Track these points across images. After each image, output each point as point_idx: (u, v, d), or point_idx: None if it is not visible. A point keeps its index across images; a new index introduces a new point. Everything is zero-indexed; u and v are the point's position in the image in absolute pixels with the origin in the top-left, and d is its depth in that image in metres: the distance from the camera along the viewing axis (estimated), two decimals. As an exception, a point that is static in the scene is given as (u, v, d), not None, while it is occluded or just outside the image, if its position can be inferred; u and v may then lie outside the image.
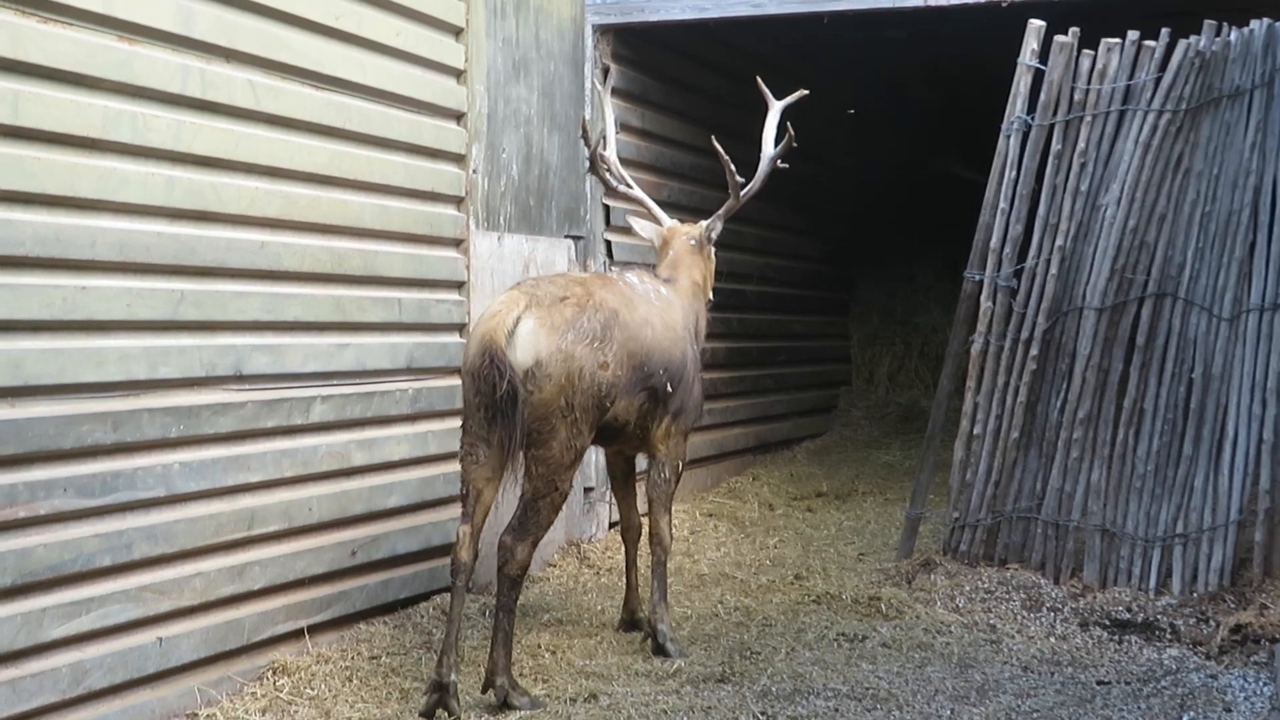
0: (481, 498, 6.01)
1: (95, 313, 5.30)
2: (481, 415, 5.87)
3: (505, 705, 5.81)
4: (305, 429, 6.45)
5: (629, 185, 7.40)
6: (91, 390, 5.28)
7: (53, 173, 5.10)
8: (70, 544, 5.16)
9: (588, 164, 7.38)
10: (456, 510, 7.40)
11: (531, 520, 6.00)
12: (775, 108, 7.43)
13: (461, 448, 6.06)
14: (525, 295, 6.03)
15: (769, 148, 7.32)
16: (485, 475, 5.99)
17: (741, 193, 7.23)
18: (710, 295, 7.33)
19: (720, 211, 7.33)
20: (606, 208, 9.39)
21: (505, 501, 6.15)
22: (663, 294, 6.80)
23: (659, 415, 6.58)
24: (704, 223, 7.30)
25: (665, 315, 6.66)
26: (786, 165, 7.29)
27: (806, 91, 7.47)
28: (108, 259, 5.35)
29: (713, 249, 7.37)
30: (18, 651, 4.96)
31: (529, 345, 5.88)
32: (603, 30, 9.32)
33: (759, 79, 7.56)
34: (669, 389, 6.52)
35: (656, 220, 7.38)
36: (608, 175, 7.27)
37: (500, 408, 5.74)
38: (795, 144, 7.19)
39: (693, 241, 7.22)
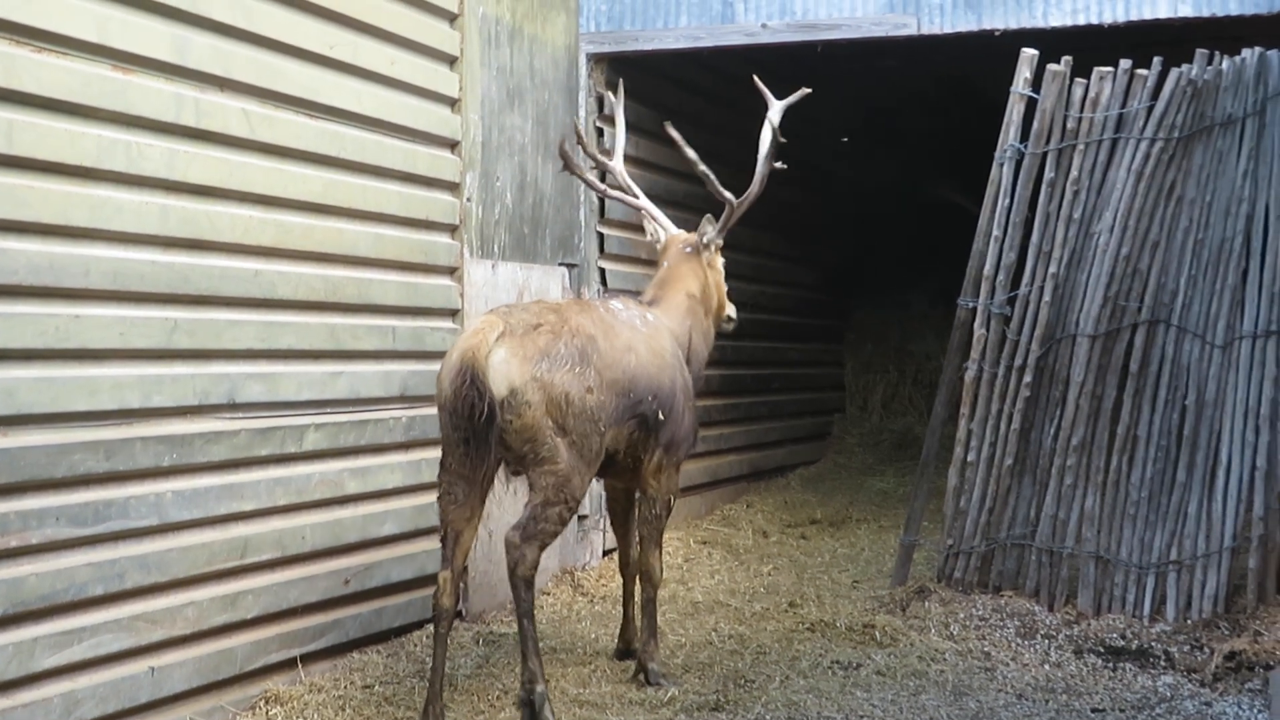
0: (461, 540, 6.01)
1: (89, 341, 5.30)
2: (460, 449, 5.86)
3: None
4: (299, 457, 6.45)
5: (636, 194, 7.37)
6: (84, 419, 5.28)
7: (47, 201, 5.11)
8: (62, 573, 5.15)
9: (579, 155, 7.28)
10: (450, 538, 7.42)
11: (540, 522, 5.94)
12: (775, 107, 7.33)
13: (440, 486, 6.03)
14: (500, 321, 5.98)
15: (765, 149, 7.25)
16: (465, 516, 5.98)
17: (740, 198, 7.17)
18: (725, 306, 7.35)
19: (721, 219, 7.27)
20: (600, 235, 9.41)
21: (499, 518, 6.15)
22: (649, 320, 6.72)
23: (650, 447, 6.50)
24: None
25: (651, 341, 6.57)
26: (784, 166, 7.22)
27: (809, 90, 7.37)
28: (101, 287, 5.35)
29: (718, 257, 7.35)
30: (9, 681, 4.95)
31: (502, 375, 5.83)
32: (596, 59, 9.35)
33: (755, 78, 7.49)
34: (660, 417, 6.45)
35: (663, 229, 7.36)
36: (605, 183, 7.22)
37: (479, 432, 5.73)
38: (783, 140, 7.14)
39: (688, 249, 7.18)
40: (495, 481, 6.09)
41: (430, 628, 7.11)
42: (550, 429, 5.91)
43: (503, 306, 6.37)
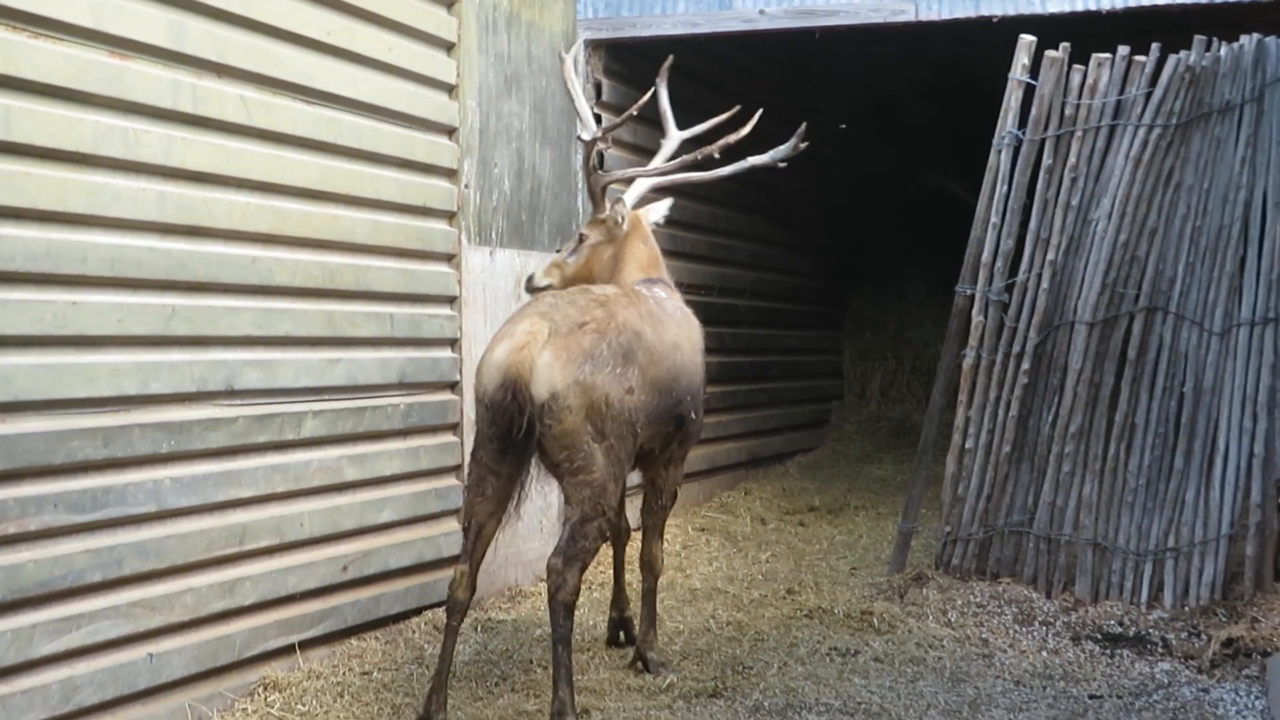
0: (483, 533, 5.92)
1: (86, 328, 5.29)
2: (494, 446, 5.77)
3: None
4: (297, 444, 6.45)
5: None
6: (82, 406, 5.27)
7: (44, 188, 5.10)
8: (61, 560, 5.15)
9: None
10: (448, 525, 7.44)
11: (580, 543, 5.76)
12: (766, 156, 7.18)
13: (469, 478, 5.96)
14: (545, 325, 5.78)
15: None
16: (489, 510, 5.89)
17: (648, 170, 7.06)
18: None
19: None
20: (598, 222, 9.39)
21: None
22: (684, 310, 6.64)
23: (674, 442, 6.46)
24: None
25: (691, 335, 6.51)
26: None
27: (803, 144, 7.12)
28: (99, 274, 5.34)
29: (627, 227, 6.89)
30: (8, 668, 4.94)
31: (544, 379, 5.67)
32: (594, 45, 9.34)
33: (656, 92, 7.35)
34: (693, 415, 6.41)
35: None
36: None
37: (514, 441, 5.66)
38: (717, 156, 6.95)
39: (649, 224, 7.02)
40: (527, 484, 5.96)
41: (429, 614, 7.15)
42: (589, 435, 5.75)
43: (548, 297, 6.19)
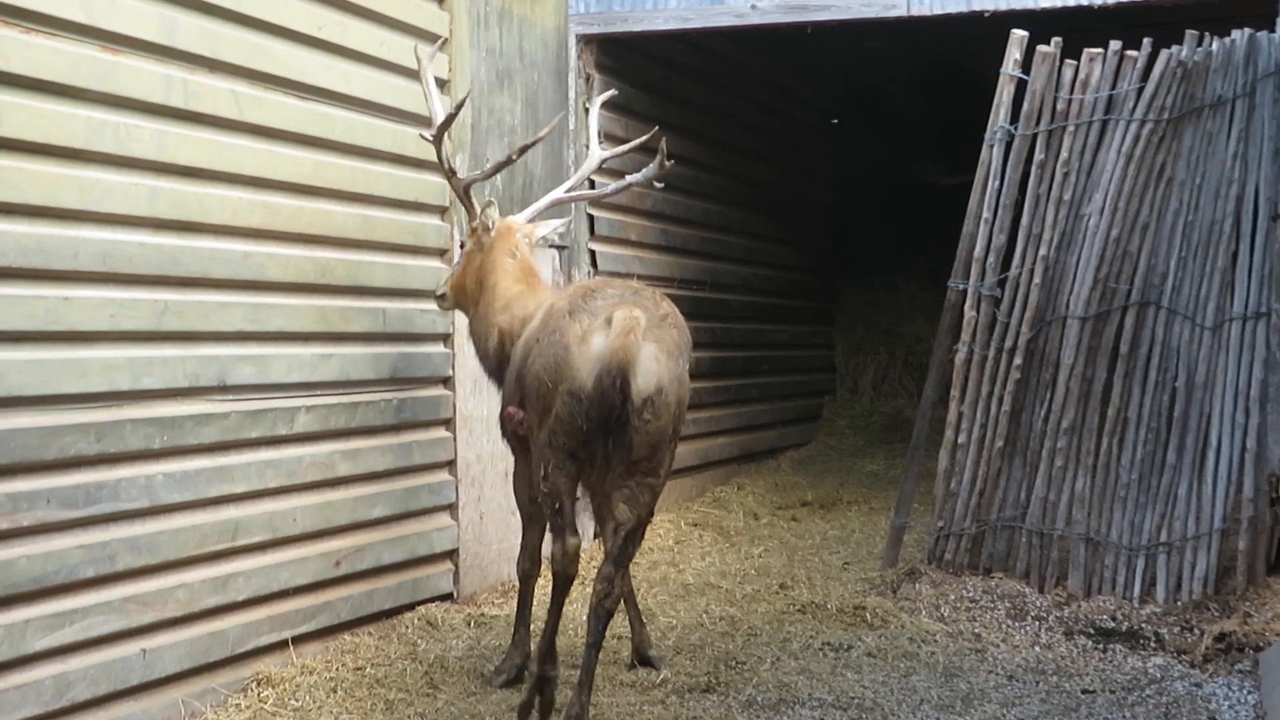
0: (572, 508, 5.66)
1: (78, 323, 5.28)
2: (581, 435, 5.46)
3: None
4: (289, 439, 6.44)
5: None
6: (74, 401, 5.26)
7: (35, 183, 5.08)
8: (53, 555, 5.14)
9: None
10: (441, 520, 7.45)
11: (631, 550, 5.64)
12: (595, 157, 7.02)
13: (551, 463, 5.58)
14: (643, 314, 5.48)
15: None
16: (572, 488, 5.63)
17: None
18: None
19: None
20: (591, 218, 9.39)
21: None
22: None
23: None
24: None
25: None
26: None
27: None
28: (91, 269, 5.33)
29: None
30: (1, 664, 4.93)
31: (651, 373, 5.41)
32: (586, 40, 9.32)
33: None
34: None
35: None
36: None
37: (609, 433, 5.37)
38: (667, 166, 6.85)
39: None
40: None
41: (422, 610, 7.15)
42: (670, 434, 5.59)
43: (608, 282, 5.99)
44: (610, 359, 5.35)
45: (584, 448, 5.52)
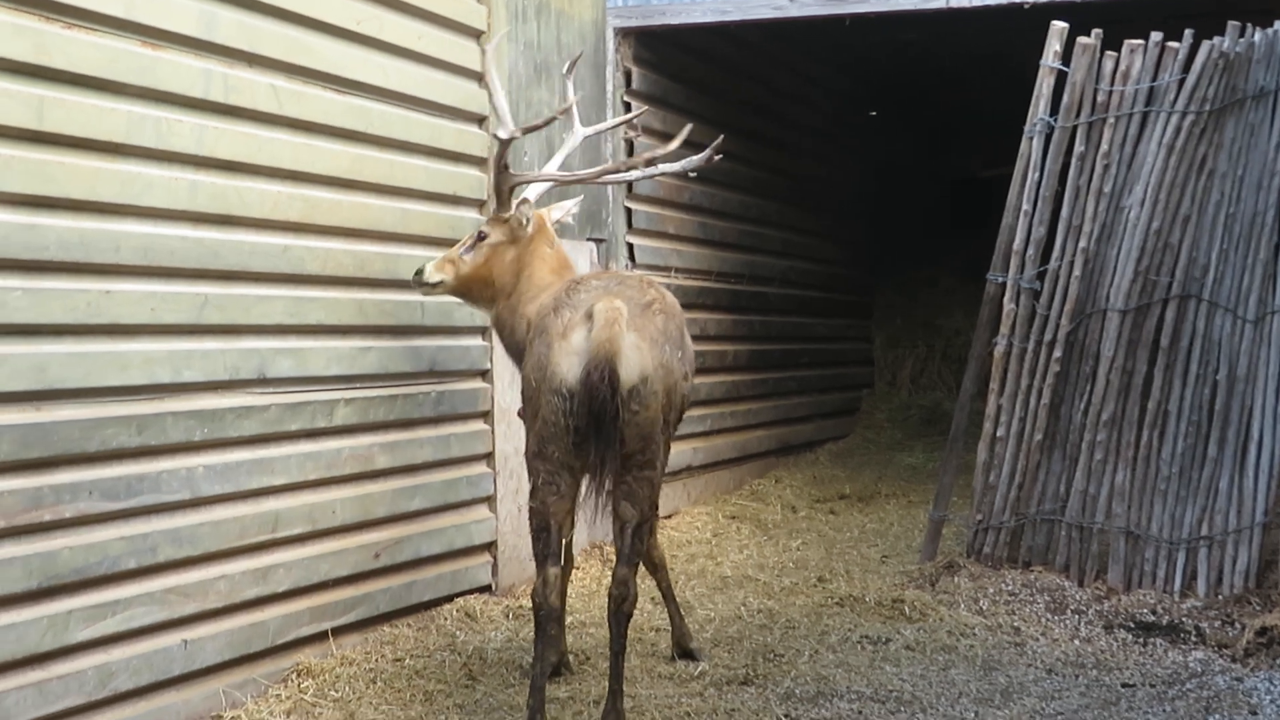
0: (563, 532, 5.58)
1: (119, 316, 5.32)
2: (571, 438, 5.39)
3: None
4: (329, 432, 6.47)
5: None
6: (116, 394, 5.30)
7: (76, 177, 5.12)
8: (95, 547, 5.18)
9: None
10: (480, 512, 7.48)
11: (639, 547, 5.56)
12: (578, 133, 7.01)
13: (540, 477, 5.55)
14: (624, 304, 5.44)
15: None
16: (565, 509, 5.55)
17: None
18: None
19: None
20: (628, 210, 9.40)
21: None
22: None
23: None
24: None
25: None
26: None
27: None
28: (132, 263, 5.37)
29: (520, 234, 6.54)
30: (44, 654, 4.98)
31: (635, 362, 5.34)
32: (624, 33, 9.33)
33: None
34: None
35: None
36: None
37: (599, 430, 5.29)
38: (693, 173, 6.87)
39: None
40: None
41: (460, 601, 7.17)
42: (661, 423, 5.49)
43: (597, 274, 5.94)
44: (593, 353, 5.30)
45: (576, 454, 5.43)
